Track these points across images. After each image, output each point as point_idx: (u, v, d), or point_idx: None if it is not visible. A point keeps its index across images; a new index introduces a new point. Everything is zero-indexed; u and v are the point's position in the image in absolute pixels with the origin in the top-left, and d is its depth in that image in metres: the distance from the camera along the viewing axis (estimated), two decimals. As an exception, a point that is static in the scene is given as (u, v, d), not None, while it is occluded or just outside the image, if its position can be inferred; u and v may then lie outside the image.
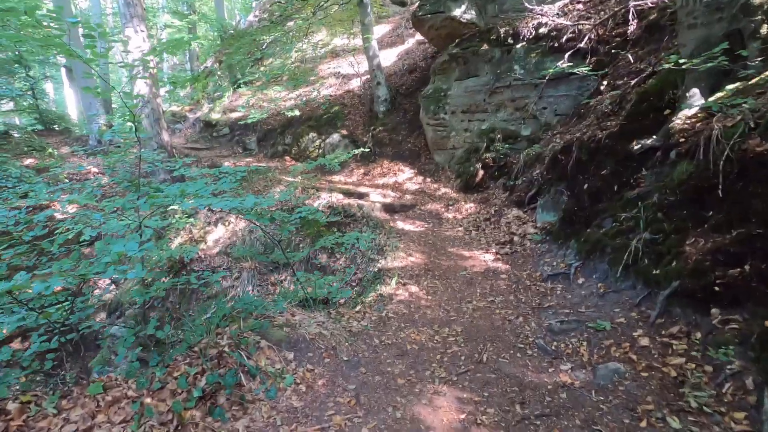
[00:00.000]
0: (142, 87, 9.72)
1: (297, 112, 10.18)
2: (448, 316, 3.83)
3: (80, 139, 12.30)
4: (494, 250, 5.38)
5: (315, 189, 7.56)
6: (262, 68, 13.34)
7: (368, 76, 11.00)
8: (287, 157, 10.93)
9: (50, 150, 10.59)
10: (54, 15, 3.08)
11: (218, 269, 6.98)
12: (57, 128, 13.38)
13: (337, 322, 3.45)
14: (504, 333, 3.42)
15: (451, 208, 7.29)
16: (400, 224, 6.72)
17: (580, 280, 4.00)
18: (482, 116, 8.03)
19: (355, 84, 11.69)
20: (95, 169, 10.87)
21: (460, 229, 6.50)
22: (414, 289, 4.40)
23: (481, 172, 7.55)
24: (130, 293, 7.33)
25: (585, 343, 3.04)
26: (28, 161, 11.03)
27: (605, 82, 6.07)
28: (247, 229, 7.29)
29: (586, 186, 4.79)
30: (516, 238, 5.53)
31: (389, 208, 7.32)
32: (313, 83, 12.26)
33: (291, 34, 12.04)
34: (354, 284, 5.71)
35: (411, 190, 8.15)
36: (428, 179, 8.41)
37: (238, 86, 12.38)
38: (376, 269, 5.22)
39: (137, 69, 9.77)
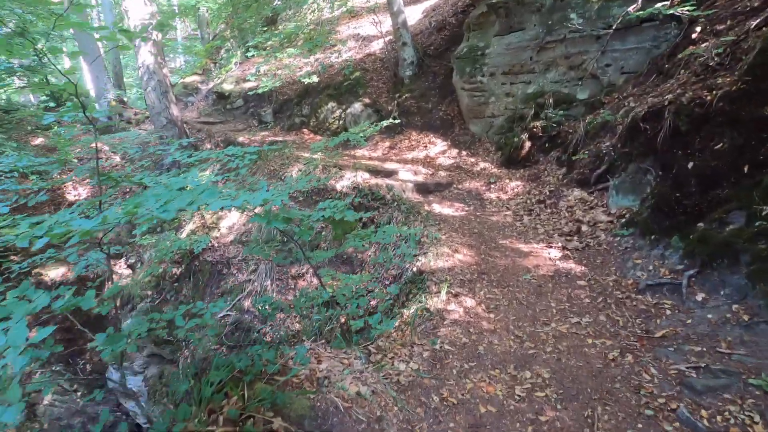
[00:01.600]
0: (146, 57, 8.58)
1: (315, 79, 8.91)
2: (522, 347, 2.77)
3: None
4: (559, 244, 4.23)
5: (337, 168, 6.44)
6: (276, 32, 11.96)
7: (391, 37, 9.57)
8: (305, 130, 9.76)
9: (55, 128, 9.67)
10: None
11: (233, 260, 6.06)
12: (68, 105, 12.43)
13: (379, 370, 2.43)
14: (614, 385, 2.35)
15: (493, 186, 6.10)
16: (437, 207, 5.60)
17: (699, 296, 2.86)
18: (528, 78, 6.66)
19: (377, 46, 10.27)
20: (106, 147, 9.96)
21: (507, 213, 5.34)
22: (469, 302, 3.33)
23: (527, 144, 6.28)
24: (140, 285, 6.51)
25: (756, 416, 1.95)
26: (38, 140, 10.18)
27: (698, 28, 4.65)
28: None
29: (691, 165, 3.54)
30: (585, 228, 4.36)
31: (422, 188, 6.18)
32: (331, 47, 10.88)
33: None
34: (388, 281, 4.69)
35: (445, 166, 6.96)
36: (464, 152, 7.18)
37: (248, 51, 11.09)
38: (415, 269, 4.16)
39: (138, 37, 8.62)
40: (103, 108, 10.79)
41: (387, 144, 8.10)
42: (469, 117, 7.51)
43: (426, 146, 7.63)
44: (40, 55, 11.71)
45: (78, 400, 6.67)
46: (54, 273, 7.84)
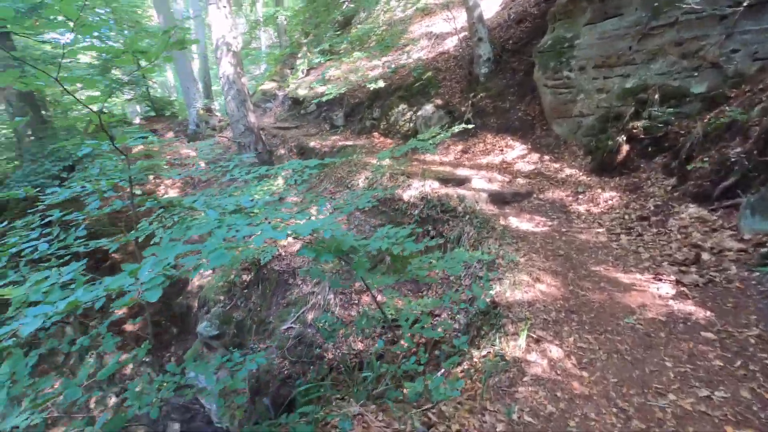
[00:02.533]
0: (226, 68, 8.82)
1: (381, 84, 8.52)
2: (629, 428, 2.10)
3: (182, 123, 12.11)
4: (672, 276, 3.37)
5: (405, 176, 5.99)
6: (346, 35, 11.81)
7: (466, 33, 8.88)
8: (375, 133, 9.45)
9: (150, 137, 10.37)
10: None
11: (298, 270, 5.90)
12: (166, 114, 13.44)
13: (441, 449, 1.95)
14: None
15: (581, 197, 5.24)
16: (514, 221, 4.91)
17: None
18: (626, 70, 5.64)
19: (450, 44, 9.62)
20: (193, 153, 10.51)
21: (600, 230, 4.50)
22: (555, 352, 2.69)
23: (625, 147, 5.31)
24: (214, 290, 6.64)
25: None
26: (137, 148, 11.02)
27: None
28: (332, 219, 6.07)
29: None
30: (706, 256, 3.44)
31: (498, 198, 5.50)
32: (402, 47, 10.43)
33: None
34: (455, 309, 4.15)
35: (524, 172, 6.18)
36: (546, 157, 6.33)
37: (320, 56, 11.04)
38: (488, 298, 3.56)
39: (221, 49, 8.89)
40: (192, 116, 11.43)
41: (459, 148, 7.47)
42: (552, 117, 6.62)
43: (502, 150, 6.89)
44: (143, 73, 12.74)
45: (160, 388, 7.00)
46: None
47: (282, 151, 9.65)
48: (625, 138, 5.31)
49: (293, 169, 3.75)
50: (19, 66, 8.14)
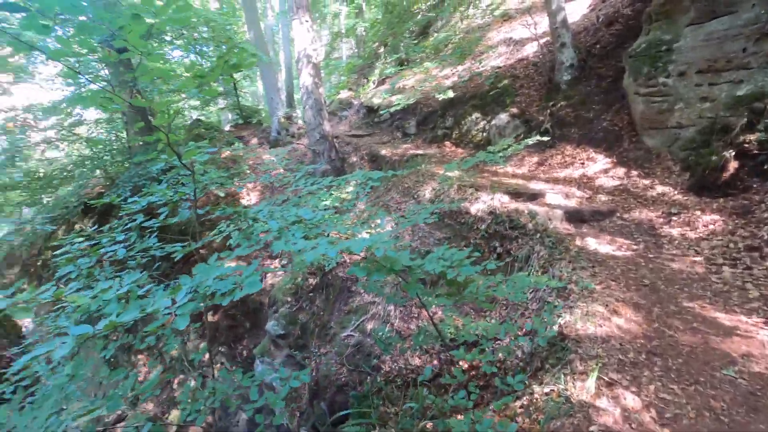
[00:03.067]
0: (306, 78, 9.23)
1: (450, 94, 8.30)
2: None
3: (266, 131, 12.92)
4: (789, 323, 2.80)
5: (473, 188, 5.75)
6: (422, 45, 11.77)
7: (548, 38, 8.38)
8: (447, 142, 9.27)
9: (236, 143, 11.19)
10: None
11: (360, 278, 5.92)
12: (252, 121, 14.45)
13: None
14: None
15: (675, 219, 4.62)
16: (592, 243, 4.46)
17: None
18: (738, 75, 4.89)
19: (529, 50, 9.14)
20: (273, 159, 11.16)
21: (697, 259, 3.91)
22: (631, 401, 2.35)
23: (733, 164, 4.59)
24: (282, 290, 6.93)
25: None
26: (225, 153, 11.96)
27: None
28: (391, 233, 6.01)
29: None
30: (839, 302, 2.81)
31: (574, 216, 5.05)
32: (479, 55, 10.14)
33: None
34: (521, 331, 3.85)
35: (606, 188, 5.62)
36: (634, 172, 5.70)
37: (398, 65, 11.11)
38: (556, 328, 3.25)
39: (302, 61, 9.33)
40: (274, 124, 12.16)
41: (535, 159, 7.03)
42: (643, 127, 5.95)
43: (583, 163, 6.34)
44: (234, 84, 13.80)
45: (235, 380, 7.45)
46: (231, 263, 9.00)
47: (354, 159, 9.85)
48: (733, 153, 4.59)
49: (357, 180, 3.76)
50: (133, 84, 9.26)
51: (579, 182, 5.92)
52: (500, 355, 3.66)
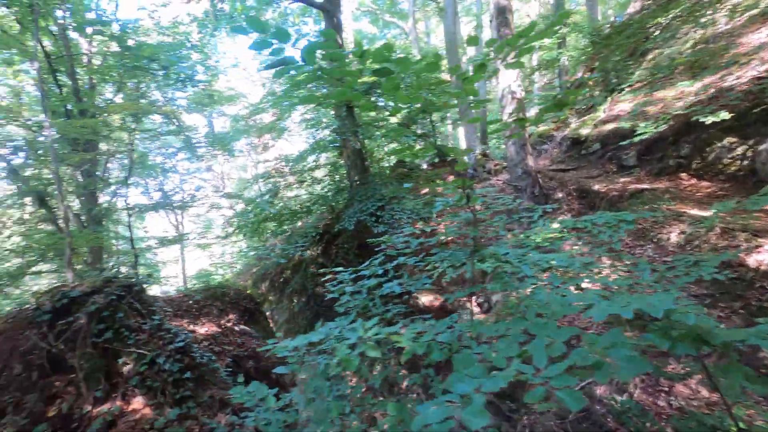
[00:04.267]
0: (509, 114, 9.08)
1: (724, 115, 6.61)
2: None
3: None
4: None
5: (747, 232, 4.41)
6: (645, 65, 10.23)
7: None
8: (683, 174, 7.62)
9: (438, 180, 11.68)
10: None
11: (590, 327, 5.14)
12: (448, 159, 15.02)
13: None
14: None
15: None
16: None
17: None
18: None
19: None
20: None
21: None
22: None
23: None
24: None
25: None
26: (425, 190, 12.68)
27: None
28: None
29: None
30: None
31: None
32: (728, 67, 8.16)
33: (692, 5, 8.48)
34: None
35: None
36: None
37: (612, 92, 9.89)
38: None
39: (506, 98, 9.24)
40: (470, 161, 12.32)
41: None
42: None
43: None
44: (432, 125, 14.71)
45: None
46: (425, 299, 9.31)
47: (559, 195, 9.06)
48: None
49: (606, 221, 3.27)
50: (356, 133, 10.76)
51: None
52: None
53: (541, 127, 12.75)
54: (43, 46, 8.62)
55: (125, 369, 3.49)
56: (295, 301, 11.43)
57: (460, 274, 3.93)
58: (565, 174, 9.78)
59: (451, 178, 13.06)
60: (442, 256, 2.70)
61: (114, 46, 10.76)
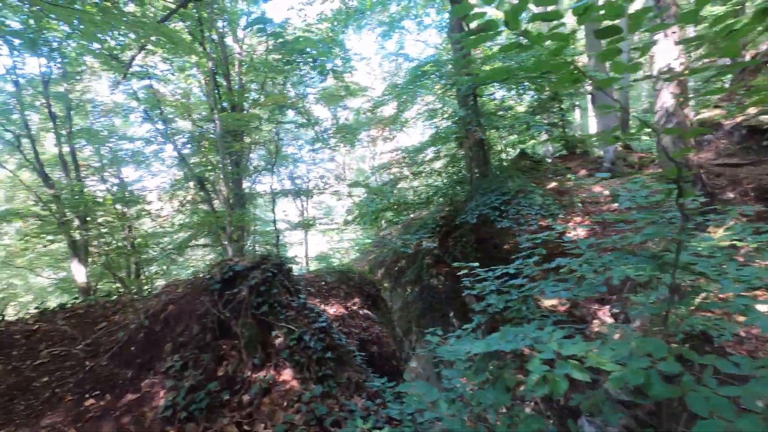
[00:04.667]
0: (666, 98, 7.79)
1: None
2: None
3: (595, 161, 11.85)
4: None
5: None
6: None
7: None
8: None
9: (569, 175, 10.63)
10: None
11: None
12: (577, 152, 13.62)
13: None
14: None
15: None
16: None
17: None
18: None
19: None
20: (606, 192, 9.99)
21: None
22: None
23: None
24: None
25: None
26: (551, 185, 11.67)
27: None
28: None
29: None
30: None
31: None
32: None
33: None
34: None
35: None
36: None
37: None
38: None
39: (661, 81, 7.91)
40: (608, 154, 10.96)
41: None
42: None
43: None
44: (563, 113, 13.44)
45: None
46: (548, 301, 8.63)
47: (730, 194, 7.51)
48: None
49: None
50: (480, 123, 10.30)
51: None
52: None
53: (703, 115, 10.70)
54: (208, 52, 10.01)
55: (277, 342, 3.81)
56: (409, 290, 11.55)
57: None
58: (738, 169, 8.06)
59: (583, 172, 11.78)
60: (626, 262, 2.32)
61: (260, 48, 12.03)
